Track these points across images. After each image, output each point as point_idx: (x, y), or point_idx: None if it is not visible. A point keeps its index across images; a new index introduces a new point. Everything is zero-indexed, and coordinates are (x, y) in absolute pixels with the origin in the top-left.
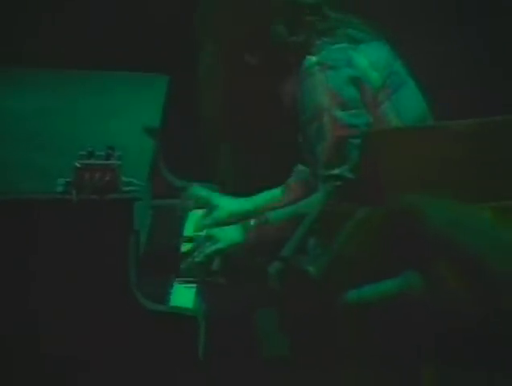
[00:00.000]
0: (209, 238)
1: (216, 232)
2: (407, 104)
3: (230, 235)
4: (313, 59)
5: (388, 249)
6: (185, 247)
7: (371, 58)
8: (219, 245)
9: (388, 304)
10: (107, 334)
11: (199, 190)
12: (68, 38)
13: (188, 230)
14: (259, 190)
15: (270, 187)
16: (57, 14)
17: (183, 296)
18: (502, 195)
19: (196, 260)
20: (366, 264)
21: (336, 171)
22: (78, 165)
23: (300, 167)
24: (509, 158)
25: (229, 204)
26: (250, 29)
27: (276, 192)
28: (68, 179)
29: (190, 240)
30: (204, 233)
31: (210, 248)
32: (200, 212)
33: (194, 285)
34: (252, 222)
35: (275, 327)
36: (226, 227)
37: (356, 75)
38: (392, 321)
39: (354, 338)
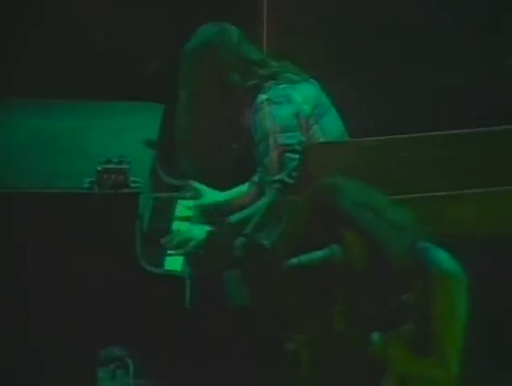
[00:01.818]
0: (185, 231)
1: (190, 226)
2: (330, 127)
3: (198, 232)
4: (263, 96)
5: (315, 227)
6: (175, 226)
7: (304, 94)
8: (190, 238)
9: (317, 266)
10: (120, 288)
11: (196, 184)
12: (93, 75)
13: (179, 214)
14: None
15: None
16: (75, 56)
17: (174, 262)
18: (394, 191)
19: (173, 242)
20: (303, 239)
21: (277, 177)
22: (99, 168)
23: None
24: (396, 170)
25: (211, 194)
26: (216, 80)
27: (244, 187)
28: (92, 179)
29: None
30: (182, 225)
31: (182, 237)
32: (186, 202)
33: (181, 255)
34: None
35: (239, 284)
36: (197, 225)
37: (293, 107)
38: (320, 278)
39: (296, 290)
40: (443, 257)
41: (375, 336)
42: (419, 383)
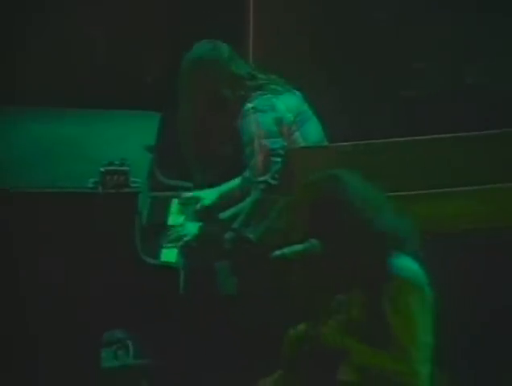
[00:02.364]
0: (180, 226)
1: (184, 223)
2: (311, 133)
3: (191, 228)
4: (249, 105)
5: (319, 216)
6: (171, 222)
7: (287, 103)
8: (185, 233)
9: (299, 259)
10: (121, 278)
11: (194, 193)
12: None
13: (174, 210)
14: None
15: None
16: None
17: (169, 254)
18: None
19: (169, 237)
20: (286, 233)
21: (262, 179)
22: (102, 170)
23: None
24: (369, 172)
25: (208, 195)
26: (210, 92)
27: (236, 182)
28: (95, 179)
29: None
30: (177, 221)
31: (177, 232)
32: (180, 200)
33: (176, 248)
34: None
35: (229, 274)
36: (191, 222)
37: (277, 115)
38: (300, 268)
39: (280, 278)
40: (406, 265)
41: (333, 326)
42: (381, 376)
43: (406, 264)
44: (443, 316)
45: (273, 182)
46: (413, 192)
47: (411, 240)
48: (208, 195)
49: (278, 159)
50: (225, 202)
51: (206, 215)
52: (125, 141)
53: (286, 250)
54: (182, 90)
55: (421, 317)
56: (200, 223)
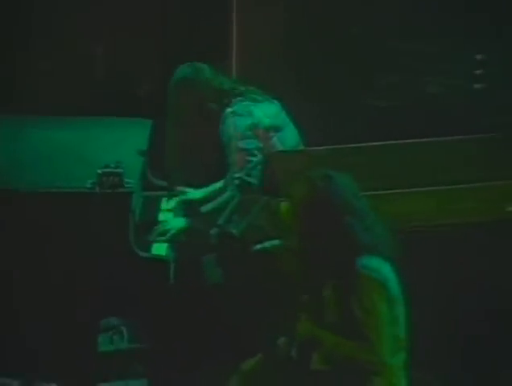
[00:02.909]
0: (167, 221)
1: (173, 219)
2: (288, 138)
3: (179, 223)
4: (229, 110)
5: (313, 215)
6: (161, 218)
7: (265, 111)
8: (170, 227)
9: (278, 252)
10: (116, 270)
11: (182, 189)
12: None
13: (164, 208)
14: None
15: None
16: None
17: (160, 248)
18: None
19: (157, 231)
20: (266, 229)
21: (237, 175)
22: (99, 172)
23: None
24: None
25: (194, 194)
26: (195, 107)
27: (219, 184)
28: (93, 180)
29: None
30: (166, 217)
31: (165, 227)
32: (170, 199)
33: (165, 242)
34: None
35: (214, 266)
36: (178, 217)
37: (253, 121)
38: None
39: (261, 268)
40: (375, 266)
41: (308, 319)
42: (352, 365)
43: (375, 266)
44: (415, 312)
45: (247, 178)
46: (379, 192)
47: (386, 246)
48: (196, 194)
49: (253, 158)
50: (210, 199)
51: (194, 212)
52: (120, 145)
53: (266, 244)
54: (170, 106)
55: (387, 312)
56: (187, 219)
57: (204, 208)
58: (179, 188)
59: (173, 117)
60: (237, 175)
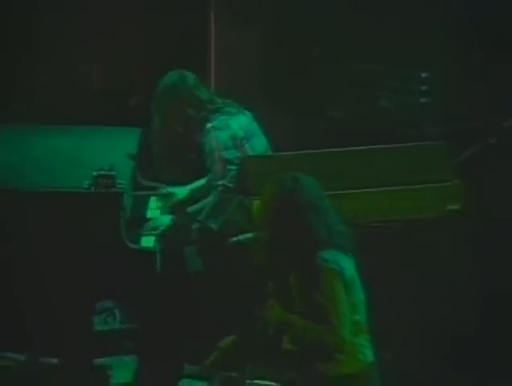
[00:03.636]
0: (157, 218)
1: (160, 216)
2: (258, 145)
3: (165, 219)
4: (209, 125)
5: (281, 213)
6: (149, 215)
7: (239, 122)
8: (159, 224)
9: (250, 244)
10: (110, 260)
11: (168, 188)
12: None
13: (152, 206)
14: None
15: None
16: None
17: (148, 241)
18: None
19: (148, 227)
20: (241, 224)
21: (220, 182)
22: (95, 174)
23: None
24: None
25: (178, 192)
26: (178, 112)
27: (201, 182)
28: (89, 182)
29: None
30: (154, 214)
31: (155, 224)
32: (157, 197)
33: (153, 236)
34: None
35: (195, 256)
36: (165, 215)
37: (231, 132)
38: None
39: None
40: (334, 258)
41: (277, 305)
42: (317, 345)
43: (334, 258)
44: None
45: (230, 185)
46: (339, 192)
47: (344, 240)
48: (179, 193)
49: (233, 167)
50: (192, 198)
51: (177, 208)
52: (113, 151)
53: (241, 237)
54: (157, 109)
55: (345, 299)
56: (172, 216)
57: (191, 208)
58: (163, 188)
59: (158, 121)
60: (220, 183)
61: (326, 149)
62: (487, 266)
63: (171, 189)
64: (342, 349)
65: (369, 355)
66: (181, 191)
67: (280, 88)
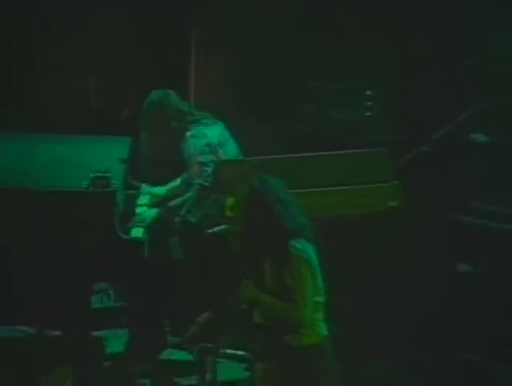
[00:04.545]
0: (143, 212)
1: (146, 210)
2: (230, 150)
3: (151, 213)
4: (188, 133)
5: (252, 208)
6: (138, 210)
7: (213, 131)
8: (146, 216)
9: (225, 235)
10: (105, 248)
11: (150, 188)
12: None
13: (140, 203)
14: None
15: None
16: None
17: (137, 232)
18: None
19: (137, 220)
20: (217, 218)
21: (197, 181)
22: (92, 175)
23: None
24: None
25: (159, 190)
26: (162, 124)
27: (177, 182)
28: (88, 182)
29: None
30: (142, 209)
31: (143, 217)
32: (144, 195)
33: (143, 227)
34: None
35: (178, 245)
36: (151, 209)
37: (207, 140)
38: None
39: (213, 247)
40: (301, 246)
41: (250, 286)
42: (284, 320)
43: (301, 246)
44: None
45: (205, 183)
46: (300, 190)
47: (308, 231)
48: (161, 190)
49: (208, 169)
50: (172, 194)
51: (160, 203)
52: (108, 156)
53: (215, 229)
54: (144, 122)
55: (310, 282)
56: (157, 211)
57: (172, 203)
58: (147, 187)
59: (145, 131)
60: (197, 182)
61: (290, 155)
62: (417, 251)
63: (151, 188)
64: (304, 324)
65: (324, 329)
66: (163, 189)
67: (252, 102)
